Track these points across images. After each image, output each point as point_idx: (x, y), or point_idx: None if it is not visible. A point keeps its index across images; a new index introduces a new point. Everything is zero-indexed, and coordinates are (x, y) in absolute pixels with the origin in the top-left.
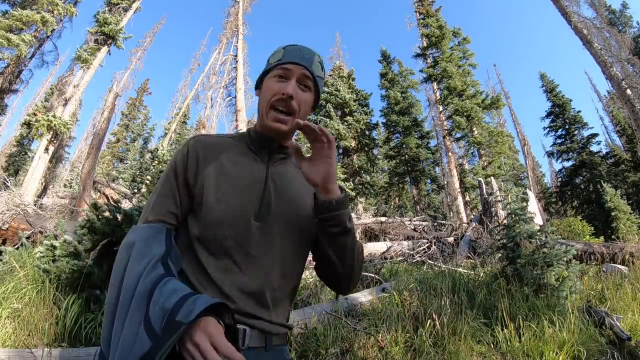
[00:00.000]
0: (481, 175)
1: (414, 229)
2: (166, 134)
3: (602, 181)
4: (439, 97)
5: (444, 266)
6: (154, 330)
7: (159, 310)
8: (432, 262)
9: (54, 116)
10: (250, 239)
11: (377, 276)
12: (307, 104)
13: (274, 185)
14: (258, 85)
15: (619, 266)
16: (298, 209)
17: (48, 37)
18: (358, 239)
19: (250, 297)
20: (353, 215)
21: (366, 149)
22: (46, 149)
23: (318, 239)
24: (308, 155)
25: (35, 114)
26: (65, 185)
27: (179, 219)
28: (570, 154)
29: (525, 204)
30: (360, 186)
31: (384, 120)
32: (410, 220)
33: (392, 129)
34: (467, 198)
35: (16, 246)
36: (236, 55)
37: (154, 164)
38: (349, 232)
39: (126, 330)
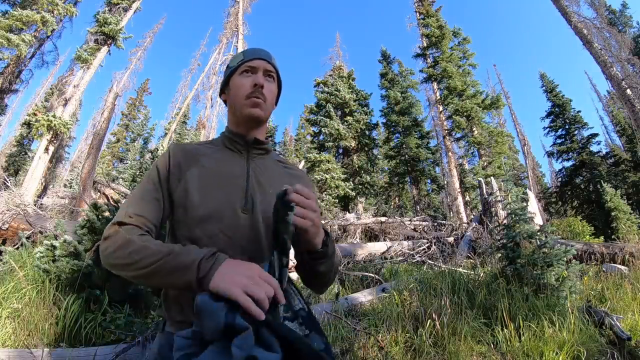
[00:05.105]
0: (481, 175)
1: (414, 229)
2: (166, 134)
3: (602, 181)
4: (439, 97)
5: (444, 266)
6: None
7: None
8: (432, 262)
9: (54, 116)
10: (239, 230)
11: (377, 276)
12: (273, 94)
13: (255, 178)
14: (224, 90)
15: (619, 266)
16: None
17: (48, 37)
18: (358, 239)
19: None
20: (353, 215)
21: (366, 149)
22: (46, 149)
23: (302, 256)
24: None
25: (35, 114)
26: (65, 185)
27: (157, 222)
28: (570, 154)
29: (525, 204)
30: (360, 186)
31: (384, 120)
32: (410, 220)
33: (392, 129)
34: (467, 198)
35: (16, 246)
36: None
37: None
38: (332, 255)
39: None
